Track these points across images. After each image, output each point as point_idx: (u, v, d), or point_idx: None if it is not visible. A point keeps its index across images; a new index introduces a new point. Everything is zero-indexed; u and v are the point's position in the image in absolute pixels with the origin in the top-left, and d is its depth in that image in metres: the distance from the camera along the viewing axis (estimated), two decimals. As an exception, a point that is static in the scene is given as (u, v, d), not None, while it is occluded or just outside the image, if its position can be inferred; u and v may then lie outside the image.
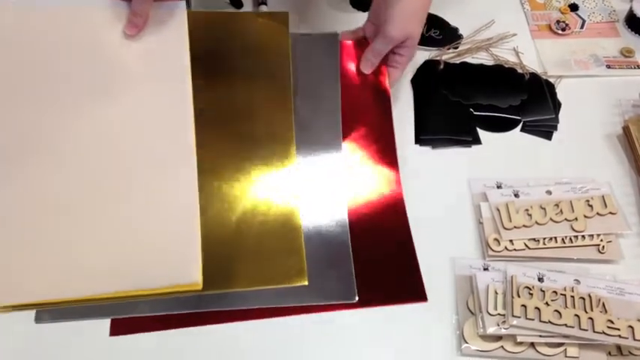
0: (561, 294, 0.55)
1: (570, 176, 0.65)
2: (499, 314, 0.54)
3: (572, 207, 0.61)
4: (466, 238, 0.61)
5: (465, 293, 0.57)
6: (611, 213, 0.61)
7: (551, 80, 0.74)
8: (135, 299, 0.52)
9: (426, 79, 0.73)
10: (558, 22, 0.80)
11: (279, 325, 0.55)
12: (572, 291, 0.55)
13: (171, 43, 0.57)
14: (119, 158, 0.54)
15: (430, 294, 0.57)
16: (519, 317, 0.53)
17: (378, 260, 0.58)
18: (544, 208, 0.61)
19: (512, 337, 0.53)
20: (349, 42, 0.68)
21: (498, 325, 0.53)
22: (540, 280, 0.56)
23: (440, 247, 0.59)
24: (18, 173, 0.53)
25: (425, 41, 0.76)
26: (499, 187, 0.64)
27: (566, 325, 0.53)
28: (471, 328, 0.54)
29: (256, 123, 0.61)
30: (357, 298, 0.55)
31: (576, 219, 0.60)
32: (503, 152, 0.68)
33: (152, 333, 0.54)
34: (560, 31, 0.80)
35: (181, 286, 0.52)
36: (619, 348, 0.54)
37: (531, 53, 0.77)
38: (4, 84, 0.54)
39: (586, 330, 0.53)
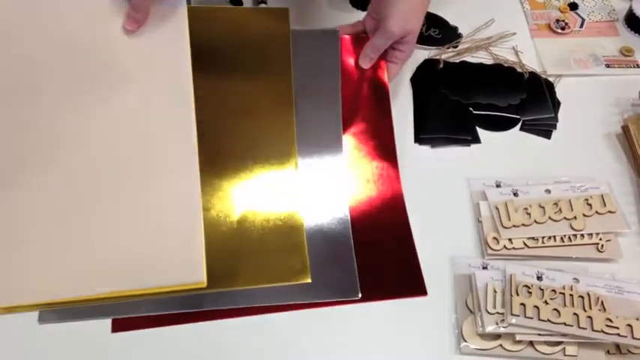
0: (560, 293, 0.55)
1: (569, 175, 0.65)
2: (498, 313, 0.54)
3: (571, 206, 0.61)
4: (465, 236, 0.61)
5: (463, 292, 0.57)
6: (610, 212, 0.61)
7: (551, 79, 0.74)
8: (138, 298, 0.52)
9: (426, 78, 0.73)
10: (558, 21, 0.80)
11: (279, 320, 0.55)
12: (571, 290, 0.55)
13: (172, 39, 0.57)
14: (121, 157, 0.54)
15: (429, 292, 0.57)
16: (518, 316, 0.53)
17: (377, 255, 0.58)
18: (543, 207, 0.61)
19: (511, 336, 0.53)
20: (348, 36, 0.68)
21: (497, 324, 0.53)
22: (539, 278, 0.56)
23: (439, 245, 0.59)
24: (18, 173, 0.53)
25: (424, 40, 0.76)
26: (498, 186, 0.64)
27: (564, 323, 0.53)
28: (469, 326, 0.54)
29: (257, 120, 0.61)
30: (359, 295, 0.56)
31: (575, 218, 0.60)
32: (503, 151, 0.68)
33: (154, 329, 0.54)
34: (559, 30, 0.80)
35: (186, 285, 0.52)
36: (618, 346, 0.54)
37: (531, 52, 0.77)
38: (4, 81, 0.54)
39: (585, 328, 0.53)
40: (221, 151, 0.59)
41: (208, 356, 0.53)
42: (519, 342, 0.53)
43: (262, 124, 0.61)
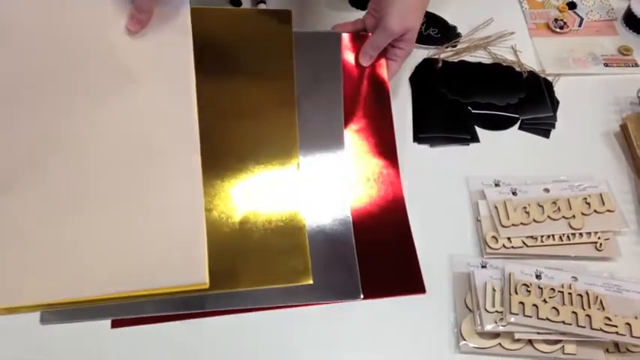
0: (559, 291, 0.55)
1: (568, 174, 0.65)
2: (497, 311, 0.54)
3: (569, 205, 0.61)
4: (464, 235, 0.61)
5: (462, 290, 0.57)
6: (608, 211, 0.61)
7: (549, 78, 0.74)
8: (140, 299, 0.52)
9: (425, 78, 0.73)
10: (556, 20, 0.80)
11: (278, 317, 0.55)
12: (570, 288, 0.55)
13: (175, 41, 0.57)
14: (123, 157, 0.54)
15: (428, 291, 0.57)
16: (517, 314, 0.53)
17: (377, 253, 0.58)
18: (542, 206, 0.61)
19: (509, 335, 0.53)
20: (348, 34, 0.68)
21: (496, 323, 0.53)
22: (538, 277, 0.56)
23: (438, 244, 0.60)
24: (21, 174, 0.53)
25: (423, 40, 0.76)
26: (497, 185, 0.64)
27: (563, 322, 0.53)
28: (468, 325, 0.55)
29: (259, 121, 0.61)
30: (362, 297, 0.56)
31: (574, 217, 0.60)
32: (502, 150, 0.68)
33: (155, 325, 0.54)
34: (558, 30, 0.80)
35: (188, 286, 0.52)
36: (616, 345, 0.54)
37: (529, 51, 0.77)
38: (8, 82, 0.54)
39: (584, 327, 0.53)
40: (223, 152, 0.59)
41: (206, 353, 0.53)
42: (518, 341, 0.53)
43: (264, 125, 0.61)
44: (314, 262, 0.56)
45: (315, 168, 0.61)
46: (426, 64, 0.74)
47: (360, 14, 0.79)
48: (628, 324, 0.53)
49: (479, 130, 0.69)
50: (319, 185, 0.60)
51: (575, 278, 0.56)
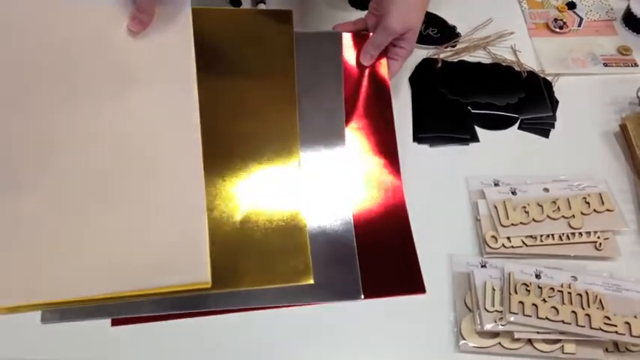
0: (558, 291, 0.55)
1: (567, 174, 0.65)
2: (496, 311, 0.54)
3: (569, 204, 0.61)
4: (464, 235, 0.61)
5: (462, 290, 0.57)
6: (608, 210, 0.61)
7: (549, 78, 0.75)
8: (142, 298, 0.52)
9: (424, 78, 0.73)
10: (556, 20, 0.80)
11: (278, 316, 0.55)
12: (570, 288, 0.55)
13: (177, 41, 0.57)
14: (125, 157, 0.55)
15: (428, 291, 0.57)
16: (517, 314, 0.53)
17: (377, 252, 0.58)
18: (541, 206, 0.61)
19: (509, 334, 0.53)
20: (349, 34, 0.68)
21: (496, 322, 0.53)
22: (537, 276, 0.56)
23: (437, 244, 0.60)
24: (23, 173, 0.53)
25: (423, 40, 0.76)
26: (496, 184, 0.64)
27: (563, 321, 0.53)
28: (468, 324, 0.55)
29: (260, 121, 0.61)
30: (362, 297, 0.56)
31: (573, 216, 0.60)
32: (501, 150, 0.68)
33: (155, 323, 0.54)
34: (557, 30, 0.80)
35: (191, 285, 0.52)
36: (616, 344, 0.54)
37: (529, 51, 0.77)
38: (9, 82, 0.54)
39: (583, 326, 0.53)
40: (224, 152, 0.59)
41: (206, 352, 0.53)
42: (518, 340, 0.53)
43: (265, 125, 0.61)
44: (315, 262, 0.56)
45: (316, 167, 0.61)
46: (426, 64, 0.74)
47: (359, 14, 0.79)
48: (627, 323, 0.53)
49: (478, 130, 0.70)
50: (320, 184, 0.60)
51: (574, 278, 0.56)
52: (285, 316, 0.55)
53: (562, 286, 0.55)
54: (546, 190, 0.63)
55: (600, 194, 0.62)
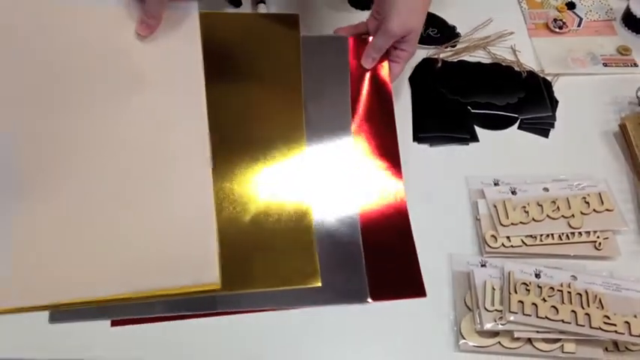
0: (558, 290, 0.55)
1: (567, 173, 0.65)
2: (496, 310, 0.54)
3: (569, 204, 0.61)
4: (463, 234, 0.61)
5: (462, 289, 0.57)
6: (607, 210, 0.61)
7: (549, 78, 0.75)
8: (152, 299, 0.52)
9: (424, 78, 0.73)
10: (555, 20, 0.81)
11: (275, 318, 0.55)
12: (569, 287, 0.55)
13: (185, 45, 0.57)
14: (134, 160, 0.55)
15: (428, 290, 0.57)
16: (516, 313, 0.53)
17: (378, 255, 0.58)
18: (541, 205, 0.61)
19: (509, 333, 0.54)
20: (350, 37, 0.68)
21: (495, 321, 0.54)
22: (537, 276, 0.56)
23: (437, 243, 0.60)
24: (37, 176, 0.54)
25: (423, 40, 0.76)
26: (496, 184, 0.64)
27: (563, 320, 0.53)
28: (468, 324, 0.55)
29: (267, 124, 0.61)
30: (369, 300, 0.56)
31: (573, 216, 0.60)
32: (501, 150, 0.68)
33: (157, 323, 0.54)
34: (557, 30, 0.80)
35: (201, 286, 0.52)
36: (615, 344, 0.54)
37: (529, 51, 0.78)
38: (23, 86, 0.54)
39: (583, 326, 0.53)
40: (233, 154, 0.59)
41: (206, 352, 0.53)
42: (518, 339, 0.53)
43: (272, 128, 0.61)
44: (321, 264, 0.56)
45: (323, 170, 0.61)
46: (426, 64, 0.75)
47: (359, 14, 0.80)
48: (627, 323, 0.53)
49: (478, 130, 0.70)
50: (327, 185, 0.60)
51: (574, 277, 0.56)
52: (285, 315, 0.55)
53: (562, 285, 0.55)
54: (546, 189, 0.63)
55: (600, 194, 0.62)
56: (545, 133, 0.70)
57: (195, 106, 0.57)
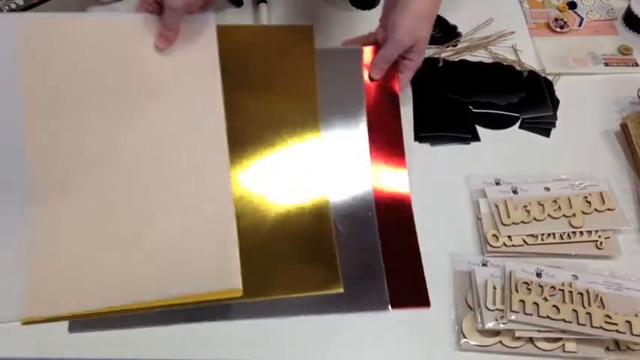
0: (559, 289, 0.55)
1: (568, 173, 0.65)
2: (497, 309, 0.54)
3: (570, 203, 0.61)
4: (465, 234, 0.61)
5: (463, 288, 0.57)
6: (609, 209, 0.61)
7: (550, 78, 0.75)
8: (174, 307, 0.53)
9: (425, 77, 0.73)
10: (556, 19, 0.81)
11: (278, 318, 0.55)
12: (570, 286, 0.55)
13: (202, 56, 0.59)
14: (155, 168, 0.56)
15: (429, 289, 0.57)
16: (518, 312, 0.53)
17: (385, 264, 0.57)
18: (542, 205, 0.61)
19: (510, 332, 0.54)
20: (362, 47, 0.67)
21: (497, 320, 0.54)
22: (538, 275, 0.56)
23: (439, 242, 0.60)
24: (57, 184, 0.55)
25: (424, 39, 0.76)
26: (497, 183, 0.64)
27: (564, 320, 0.53)
28: (469, 323, 0.55)
29: (283, 130, 0.61)
30: (390, 309, 0.55)
31: (574, 215, 0.60)
32: (502, 149, 0.68)
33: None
34: (558, 29, 0.80)
35: (222, 292, 0.53)
36: (617, 343, 0.54)
37: (530, 51, 0.78)
38: (47, 95, 0.55)
39: (584, 325, 0.53)
40: (252, 162, 0.59)
41: (200, 350, 0.53)
42: (519, 338, 0.54)
43: (289, 139, 0.61)
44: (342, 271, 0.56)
45: (340, 179, 0.61)
46: (427, 64, 0.74)
47: (360, 14, 0.80)
48: (628, 322, 0.53)
49: (479, 129, 0.70)
50: (346, 192, 0.60)
51: (575, 276, 0.56)
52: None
53: (563, 284, 0.55)
54: (547, 189, 0.63)
55: (601, 193, 0.62)
56: (546, 133, 0.70)
57: (213, 115, 0.58)
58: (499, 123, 0.71)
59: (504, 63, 0.75)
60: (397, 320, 0.55)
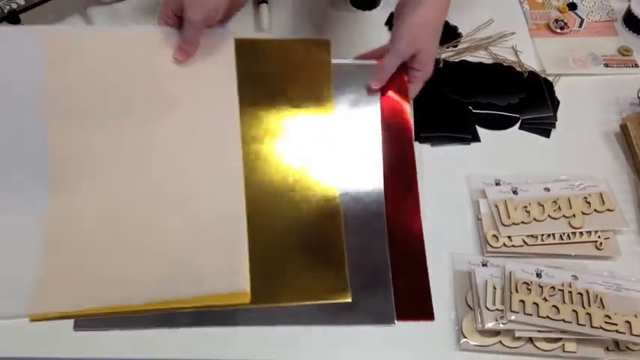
0: (559, 290, 0.55)
1: (568, 173, 0.65)
2: (497, 309, 0.54)
3: (570, 204, 0.61)
4: (465, 234, 0.61)
5: (463, 289, 0.57)
6: (608, 210, 0.61)
7: (550, 78, 0.75)
8: (180, 310, 0.53)
9: (426, 77, 0.73)
10: (557, 20, 0.81)
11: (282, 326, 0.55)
12: (570, 287, 0.55)
13: (220, 69, 0.60)
14: (170, 173, 0.57)
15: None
16: (517, 312, 0.53)
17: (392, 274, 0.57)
18: (542, 205, 0.61)
19: (510, 332, 0.54)
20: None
21: (497, 321, 0.54)
22: (538, 275, 0.56)
23: (439, 243, 0.60)
24: (71, 185, 0.56)
25: (424, 40, 0.76)
26: (498, 184, 0.64)
27: (564, 320, 0.53)
28: (469, 323, 0.55)
29: (299, 149, 0.61)
30: (395, 323, 0.55)
31: (574, 216, 0.61)
32: (502, 150, 0.68)
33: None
34: (558, 30, 0.80)
35: (230, 296, 0.53)
36: (616, 343, 0.54)
37: (530, 52, 0.78)
38: (71, 104, 0.57)
39: (584, 325, 0.53)
40: (264, 171, 0.60)
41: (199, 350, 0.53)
42: (519, 338, 0.54)
43: (307, 151, 0.61)
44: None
45: (352, 186, 0.60)
46: (427, 64, 0.75)
47: (361, 15, 0.80)
48: (628, 322, 0.53)
49: (480, 130, 0.70)
50: (357, 205, 0.60)
51: (575, 277, 0.56)
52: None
53: (563, 285, 0.55)
54: (547, 189, 0.63)
55: (601, 194, 0.62)
56: (546, 133, 0.70)
57: (229, 125, 0.59)
58: (499, 123, 0.71)
59: (505, 64, 0.76)
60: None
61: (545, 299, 0.54)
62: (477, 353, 0.54)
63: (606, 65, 0.77)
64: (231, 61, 0.60)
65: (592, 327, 0.53)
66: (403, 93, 0.65)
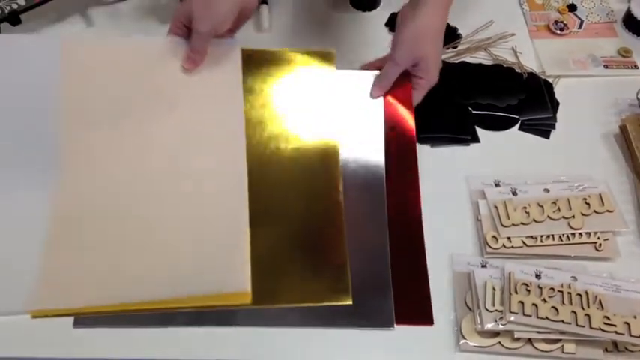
0: (558, 290, 0.55)
1: (568, 175, 0.65)
2: (497, 310, 0.54)
3: (569, 205, 0.62)
4: (464, 235, 0.61)
5: (463, 289, 0.57)
6: (608, 211, 0.61)
7: (550, 80, 0.75)
8: (179, 310, 0.53)
9: (426, 78, 0.73)
10: (556, 22, 0.81)
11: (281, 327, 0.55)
12: (569, 288, 0.55)
13: (227, 78, 0.63)
14: (175, 176, 0.58)
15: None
16: (517, 313, 0.54)
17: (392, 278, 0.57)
18: (542, 206, 0.61)
19: (509, 333, 0.54)
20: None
21: (496, 321, 0.54)
22: (537, 276, 0.56)
23: (438, 243, 0.60)
24: (80, 186, 0.58)
25: (424, 41, 0.76)
26: (497, 185, 0.64)
27: (563, 321, 0.53)
28: (468, 324, 0.55)
29: (305, 158, 0.62)
30: (394, 327, 0.55)
31: (573, 217, 0.61)
32: (502, 151, 0.68)
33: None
34: (558, 31, 0.80)
35: (230, 296, 0.53)
36: (615, 344, 0.54)
37: (530, 53, 0.78)
38: (85, 110, 0.60)
39: (583, 326, 0.53)
40: (268, 174, 0.60)
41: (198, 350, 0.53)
42: (518, 339, 0.54)
43: (310, 162, 0.62)
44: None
45: (355, 189, 0.61)
46: (427, 65, 0.75)
47: (360, 15, 0.80)
48: (627, 323, 0.53)
49: (479, 131, 0.70)
50: (360, 210, 0.60)
51: (574, 278, 0.56)
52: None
53: (562, 286, 0.56)
54: (547, 190, 0.63)
55: (600, 195, 0.62)
56: (545, 135, 0.70)
57: (234, 131, 0.61)
58: (499, 125, 0.71)
59: (504, 65, 0.76)
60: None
61: (544, 300, 0.54)
62: (476, 354, 0.54)
63: (606, 66, 0.77)
64: (238, 69, 0.63)
65: (591, 328, 0.53)
66: (407, 100, 0.66)
